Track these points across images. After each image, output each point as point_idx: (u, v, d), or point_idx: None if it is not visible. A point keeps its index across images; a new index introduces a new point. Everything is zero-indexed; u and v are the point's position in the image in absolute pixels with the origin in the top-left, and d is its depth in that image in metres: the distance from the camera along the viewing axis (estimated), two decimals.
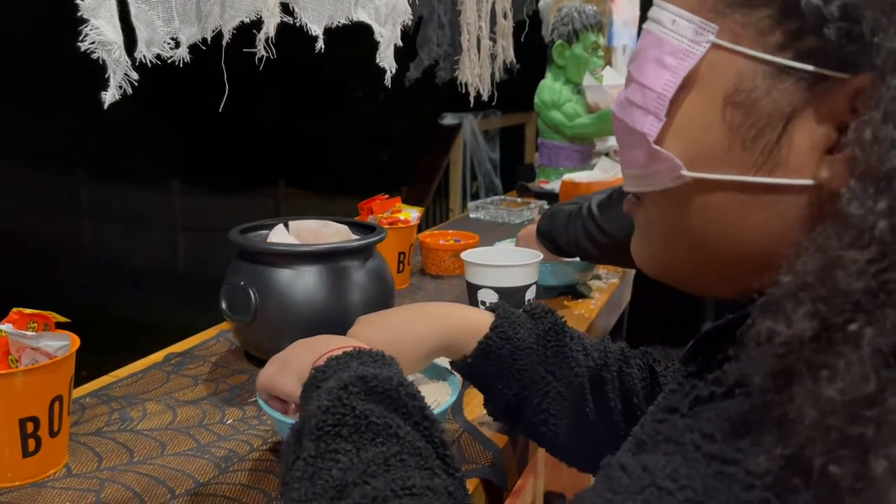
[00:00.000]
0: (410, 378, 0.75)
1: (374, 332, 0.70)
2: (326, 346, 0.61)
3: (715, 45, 0.42)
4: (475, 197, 4.14)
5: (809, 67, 0.40)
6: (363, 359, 0.57)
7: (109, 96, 0.74)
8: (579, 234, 1.12)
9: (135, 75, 0.75)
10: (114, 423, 0.80)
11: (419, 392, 0.54)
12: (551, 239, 1.19)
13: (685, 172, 0.44)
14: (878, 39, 0.37)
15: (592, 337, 0.77)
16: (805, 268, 0.36)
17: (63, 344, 0.70)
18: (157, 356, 0.98)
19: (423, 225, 3.82)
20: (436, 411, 0.70)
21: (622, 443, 0.47)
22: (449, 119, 4.02)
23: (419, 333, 0.70)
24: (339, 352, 0.58)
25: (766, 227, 0.42)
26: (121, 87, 0.75)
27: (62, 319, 0.74)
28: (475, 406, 0.86)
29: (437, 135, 4.12)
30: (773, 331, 0.36)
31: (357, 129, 7.72)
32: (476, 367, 0.71)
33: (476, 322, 0.72)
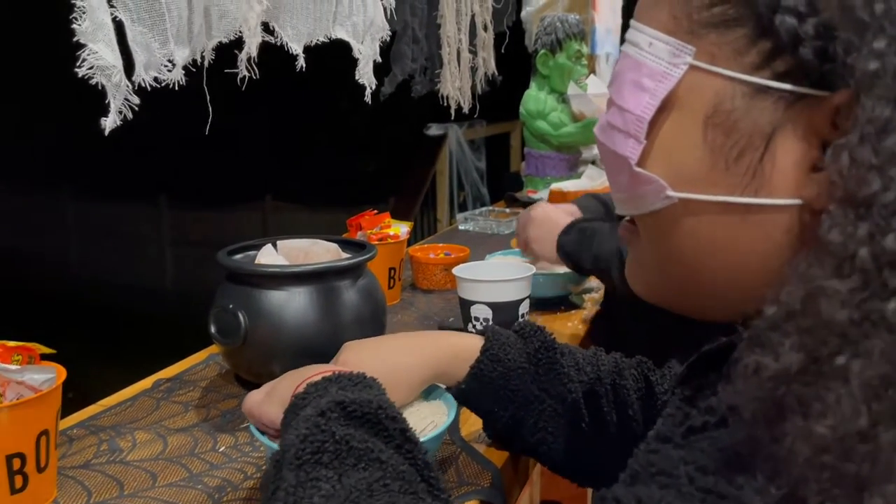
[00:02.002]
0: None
1: (362, 360, 0.68)
2: (310, 372, 0.61)
3: (692, 67, 0.42)
4: (463, 207, 4.13)
5: (787, 86, 0.39)
6: (342, 383, 0.56)
7: (110, 122, 0.73)
8: (609, 252, 1.07)
9: (136, 100, 0.74)
10: (102, 455, 0.78)
11: (400, 414, 0.53)
12: (576, 260, 1.14)
13: (671, 193, 0.43)
14: (850, 60, 0.36)
15: (585, 350, 0.77)
16: (789, 298, 0.36)
17: (48, 377, 0.68)
18: (146, 382, 0.96)
19: (412, 237, 3.82)
20: (435, 432, 0.69)
21: (619, 456, 0.47)
22: (434, 129, 4.02)
23: (410, 364, 0.70)
24: (319, 377, 0.57)
25: (755, 248, 0.42)
26: (121, 112, 0.74)
27: (47, 351, 0.72)
28: (472, 424, 0.85)
29: (422, 146, 4.12)
30: (761, 364, 0.35)
31: (343, 141, 7.70)
32: (470, 392, 0.71)
33: (466, 347, 0.72)
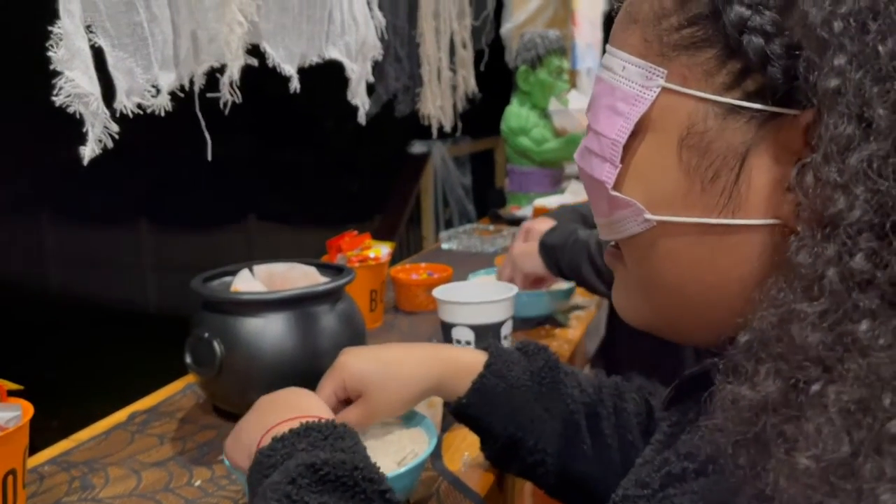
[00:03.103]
0: (389, 422, 0.72)
1: (362, 364, 0.67)
2: (275, 416, 0.57)
3: (665, 89, 0.42)
4: (448, 223, 4.11)
5: (758, 105, 0.39)
6: (311, 437, 0.52)
7: (89, 151, 0.71)
8: (582, 261, 1.11)
9: (115, 127, 0.72)
10: (74, 493, 0.76)
11: (378, 473, 0.50)
12: (554, 257, 1.16)
13: (648, 216, 0.43)
14: (812, 78, 0.36)
15: (581, 369, 0.76)
16: (761, 323, 0.35)
17: (14, 415, 0.66)
18: (121, 415, 0.94)
19: (397, 254, 3.80)
20: (416, 461, 0.67)
21: (618, 479, 0.46)
22: (418, 147, 4.02)
23: (411, 372, 0.68)
24: (285, 427, 0.53)
25: (735, 269, 0.41)
26: (100, 141, 0.72)
27: (14, 387, 0.70)
28: (454, 452, 0.83)
29: (407, 163, 4.12)
30: (738, 394, 0.34)
31: (326, 159, 7.70)
32: (471, 407, 0.69)
33: (469, 362, 0.70)
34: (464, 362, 0.70)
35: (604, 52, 0.47)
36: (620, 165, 0.43)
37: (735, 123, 0.40)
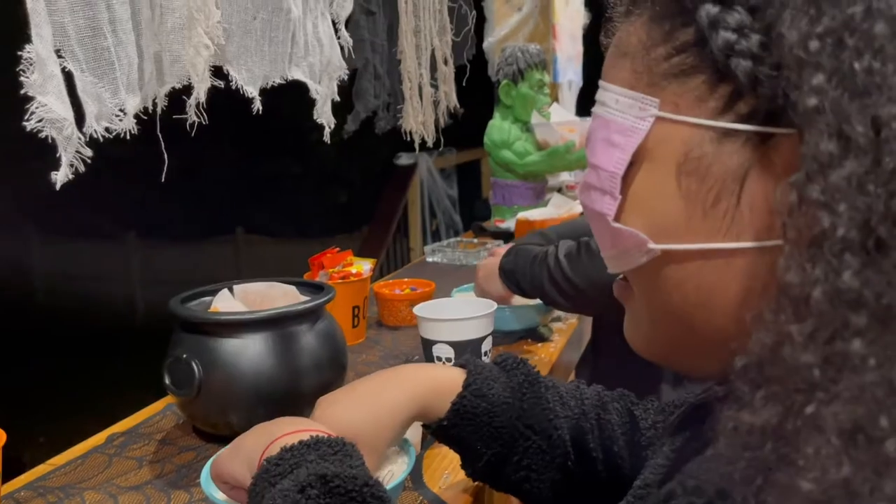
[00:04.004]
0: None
1: (343, 411, 0.64)
2: (281, 430, 0.56)
3: (658, 118, 0.42)
4: (436, 235, 4.11)
5: (751, 127, 0.39)
6: (321, 450, 0.52)
7: (62, 175, 0.70)
8: (544, 280, 1.12)
9: (88, 152, 0.72)
10: None
11: (386, 493, 0.50)
12: (514, 280, 1.17)
13: (652, 246, 0.43)
14: (794, 98, 0.36)
15: (567, 383, 0.75)
16: (755, 347, 0.35)
17: None
18: (100, 437, 0.93)
19: (385, 266, 3.80)
20: (395, 482, 0.67)
21: (605, 493, 0.45)
22: (404, 159, 4.03)
23: (392, 403, 0.65)
24: (294, 439, 0.53)
25: (742, 294, 0.41)
26: (72, 165, 0.71)
27: None
28: (434, 470, 0.83)
29: (394, 175, 4.12)
30: (738, 420, 0.34)
31: (314, 172, 7.69)
32: (452, 428, 0.67)
33: (447, 381, 0.68)
34: (442, 382, 0.68)
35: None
36: (620, 197, 0.44)
37: (731, 147, 0.40)
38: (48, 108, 0.69)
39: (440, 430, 0.68)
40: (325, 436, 0.53)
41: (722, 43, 0.39)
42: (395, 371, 0.69)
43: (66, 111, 0.70)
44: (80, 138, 0.72)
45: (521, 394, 0.70)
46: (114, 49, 0.77)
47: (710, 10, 0.39)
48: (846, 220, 0.33)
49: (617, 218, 0.44)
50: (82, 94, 0.75)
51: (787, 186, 0.36)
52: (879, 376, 0.31)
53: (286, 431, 0.55)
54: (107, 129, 0.78)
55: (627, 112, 0.43)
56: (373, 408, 0.64)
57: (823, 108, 0.34)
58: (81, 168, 0.71)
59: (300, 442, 0.52)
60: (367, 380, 0.68)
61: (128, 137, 0.78)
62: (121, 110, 0.79)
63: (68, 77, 0.72)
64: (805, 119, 0.35)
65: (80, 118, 0.73)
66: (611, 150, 0.44)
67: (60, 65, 0.71)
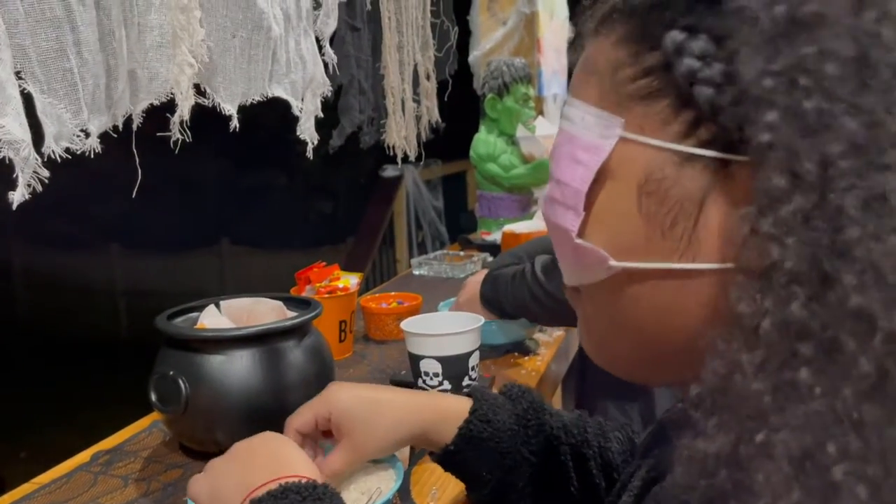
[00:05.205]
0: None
1: (354, 403, 0.65)
2: (253, 473, 0.55)
3: (623, 138, 0.43)
4: (422, 246, 4.10)
5: (711, 153, 0.40)
6: (290, 499, 0.51)
7: (18, 196, 0.70)
8: (525, 297, 1.13)
9: (45, 173, 0.72)
10: None
11: None
12: (498, 306, 1.19)
13: (613, 263, 0.43)
14: (748, 132, 0.37)
15: (552, 393, 0.76)
16: (708, 376, 0.36)
17: None
18: (85, 456, 0.92)
19: (371, 277, 3.79)
20: (382, 499, 0.67)
21: None
22: (390, 171, 4.03)
23: (401, 417, 0.66)
24: (263, 491, 0.53)
25: (694, 314, 0.42)
26: (30, 186, 0.71)
27: None
28: (422, 486, 0.83)
29: (379, 186, 4.13)
30: (693, 448, 0.35)
31: (299, 183, 7.69)
32: (458, 454, 0.68)
33: (453, 408, 0.69)
34: (449, 410, 0.69)
35: (569, 78, 0.48)
36: (584, 213, 0.44)
37: (691, 171, 0.40)
38: (6, 130, 0.69)
39: (446, 456, 0.69)
40: (295, 482, 0.53)
41: (685, 70, 0.39)
42: (409, 392, 0.70)
43: (23, 133, 0.70)
44: (36, 159, 0.72)
45: (526, 420, 0.71)
46: (77, 70, 0.76)
47: (677, 36, 0.40)
48: (794, 253, 0.34)
49: (580, 234, 0.44)
50: (41, 114, 0.74)
51: (741, 217, 0.37)
52: (826, 405, 0.32)
53: (259, 481, 0.54)
54: (66, 150, 0.78)
55: (593, 129, 0.44)
56: (380, 413, 0.66)
57: (775, 145, 0.35)
58: (39, 188, 0.71)
59: (268, 493, 0.52)
60: (383, 388, 0.70)
61: (110, 151, 0.77)
62: (82, 130, 0.79)
63: (27, 98, 0.72)
64: (758, 153, 0.36)
65: (39, 138, 0.73)
66: (575, 166, 0.44)
67: (20, 86, 0.72)
